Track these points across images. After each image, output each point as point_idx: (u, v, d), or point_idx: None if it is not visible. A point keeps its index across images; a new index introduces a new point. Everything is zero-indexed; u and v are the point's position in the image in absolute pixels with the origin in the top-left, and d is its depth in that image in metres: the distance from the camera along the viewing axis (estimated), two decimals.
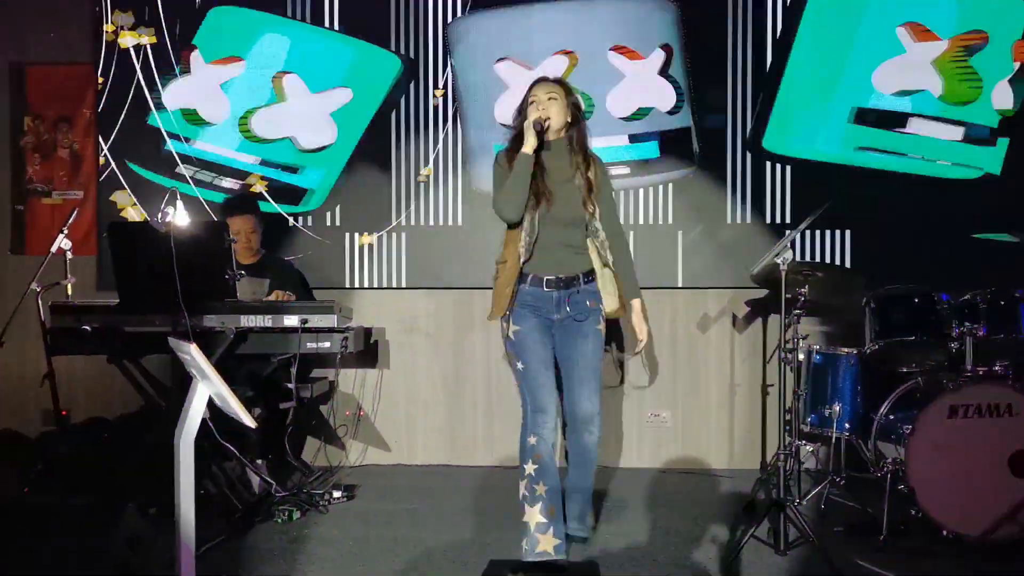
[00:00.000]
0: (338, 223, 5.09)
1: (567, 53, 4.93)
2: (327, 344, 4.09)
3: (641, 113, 4.93)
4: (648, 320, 3.58)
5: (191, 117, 5.11)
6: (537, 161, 3.30)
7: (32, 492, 4.13)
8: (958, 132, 4.81)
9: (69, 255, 4.18)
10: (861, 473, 4.15)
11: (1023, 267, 4.37)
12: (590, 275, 3.41)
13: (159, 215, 3.63)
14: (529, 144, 3.26)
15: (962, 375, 3.70)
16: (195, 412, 2.57)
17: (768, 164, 4.89)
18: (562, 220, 3.34)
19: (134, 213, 5.12)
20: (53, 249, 4.13)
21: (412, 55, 5.04)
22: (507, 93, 4.94)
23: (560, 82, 3.45)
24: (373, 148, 5.07)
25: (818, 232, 4.85)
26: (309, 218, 5.10)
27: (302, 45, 5.08)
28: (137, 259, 3.87)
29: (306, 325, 4.02)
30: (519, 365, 3.33)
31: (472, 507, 4.22)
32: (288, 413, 4.21)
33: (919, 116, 4.81)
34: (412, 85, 5.05)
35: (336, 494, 4.24)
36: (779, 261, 3.56)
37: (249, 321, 4.00)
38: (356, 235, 5.07)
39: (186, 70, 5.10)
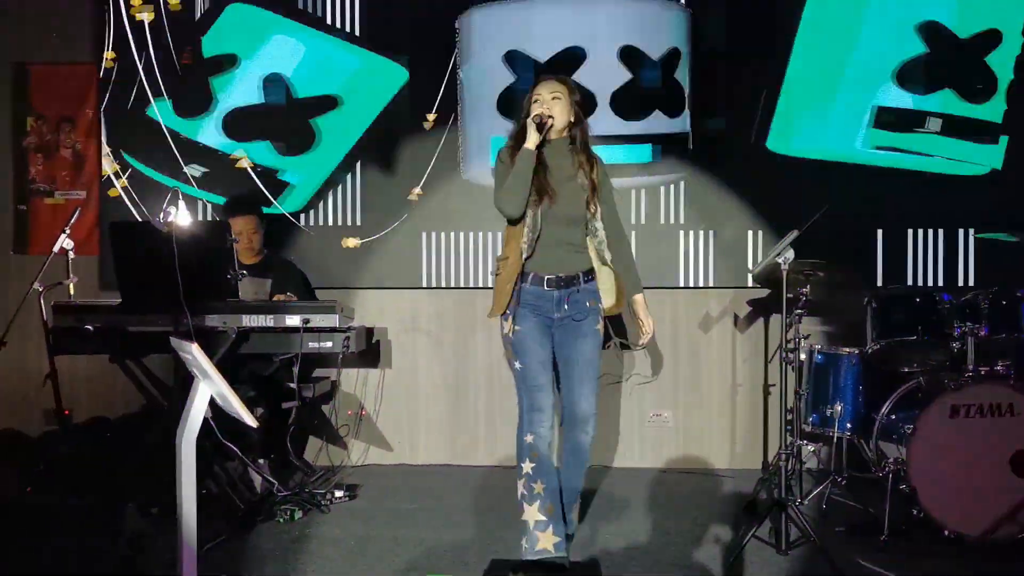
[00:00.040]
0: (332, 224, 5.09)
1: (576, 49, 4.93)
2: (329, 344, 4.09)
3: (643, 114, 4.93)
4: (652, 316, 3.58)
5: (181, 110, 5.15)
6: (539, 159, 3.30)
7: (34, 491, 4.14)
8: (968, 129, 4.80)
9: (71, 255, 4.19)
10: (862, 473, 4.14)
11: None
12: (590, 274, 3.42)
13: (161, 215, 3.64)
14: (531, 141, 3.26)
15: (963, 375, 3.70)
16: (197, 412, 2.57)
17: (772, 165, 4.88)
18: (564, 218, 3.35)
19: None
20: (55, 249, 4.14)
21: (415, 61, 5.06)
22: (512, 85, 4.94)
23: (564, 81, 3.45)
24: (371, 155, 5.07)
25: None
26: (301, 217, 5.11)
27: (307, 50, 5.08)
28: (139, 259, 3.88)
29: (308, 325, 4.03)
30: (517, 365, 3.33)
31: (474, 507, 4.23)
32: (290, 413, 4.21)
33: (937, 115, 4.80)
34: (413, 101, 5.06)
35: (338, 494, 4.24)
36: (780, 261, 3.56)
37: (251, 321, 4.00)
38: (355, 238, 5.08)
39: (187, 62, 5.11)
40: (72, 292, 4.18)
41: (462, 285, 5.02)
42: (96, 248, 5.17)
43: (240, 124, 5.11)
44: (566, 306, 3.36)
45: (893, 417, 3.86)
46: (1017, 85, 4.78)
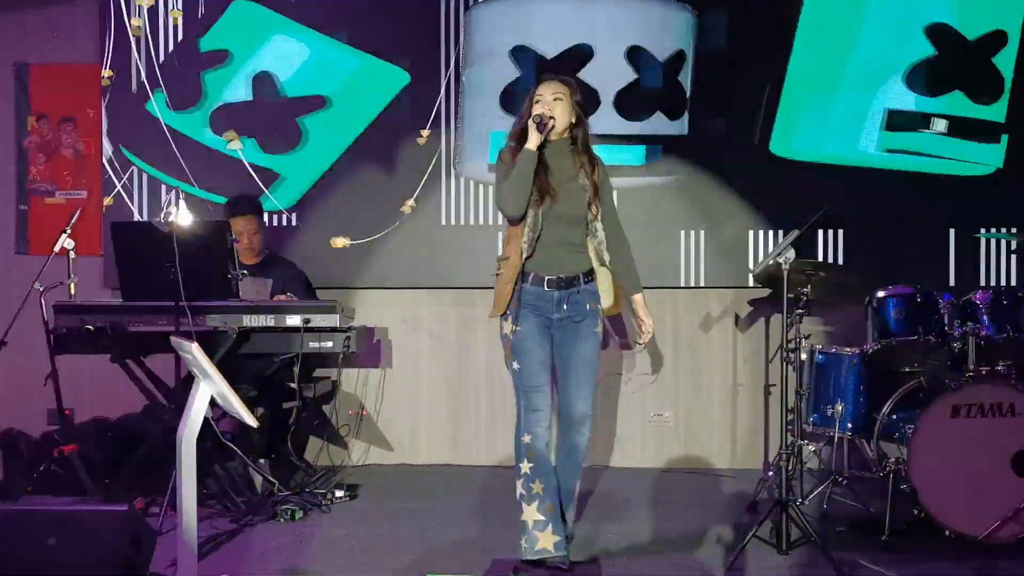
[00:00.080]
0: (331, 224, 5.08)
1: (583, 46, 4.94)
2: (330, 344, 4.10)
3: (645, 115, 4.93)
4: (651, 317, 3.58)
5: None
6: (540, 159, 3.30)
7: (36, 491, 4.14)
8: (973, 129, 4.81)
9: (72, 255, 4.19)
10: (863, 473, 4.14)
11: None
12: (590, 275, 3.41)
13: (162, 215, 3.65)
14: (532, 142, 3.26)
15: (964, 375, 3.69)
16: (198, 411, 2.58)
17: (775, 167, 4.89)
18: (565, 218, 3.35)
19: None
20: (56, 249, 4.14)
21: (418, 66, 5.06)
22: (516, 80, 4.95)
23: (566, 81, 3.44)
24: (369, 156, 5.07)
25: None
26: (293, 217, 5.11)
27: (304, 50, 5.08)
28: (140, 258, 3.88)
29: (308, 325, 4.03)
30: (515, 365, 3.33)
31: (474, 507, 4.23)
32: (291, 412, 4.22)
33: (942, 116, 4.80)
34: (414, 99, 5.06)
35: (339, 493, 4.24)
36: (781, 261, 3.56)
37: (252, 321, 4.00)
38: (344, 237, 5.08)
39: (184, 56, 5.13)
40: (73, 292, 4.18)
41: (462, 285, 5.02)
42: (98, 248, 5.17)
43: (227, 120, 5.12)
44: (565, 307, 3.36)
45: (894, 417, 3.85)
46: (1018, 84, 4.79)
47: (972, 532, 3.49)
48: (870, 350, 4.00)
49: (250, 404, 3.59)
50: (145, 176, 5.15)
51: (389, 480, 4.74)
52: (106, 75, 5.14)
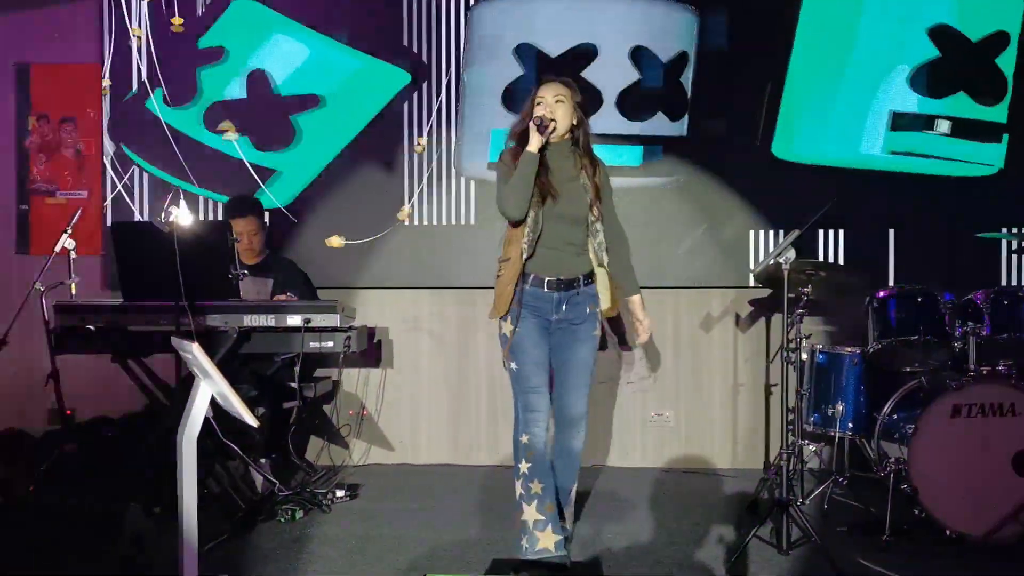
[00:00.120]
0: (331, 224, 5.08)
1: (588, 45, 4.94)
2: (330, 343, 4.09)
3: (647, 116, 4.93)
4: (648, 317, 3.59)
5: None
6: (541, 160, 3.31)
7: (37, 491, 4.14)
8: (976, 130, 4.81)
9: (73, 255, 4.19)
10: (864, 473, 4.14)
11: None
12: (590, 277, 3.42)
13: (163, 215, 3.64)
14: (534, 144, 3.26)
15: (965, 375, 3.70)
16: (198, 411, 2.57)
17: (775, 168, 4.89)
18: (566, 218, 3.35)
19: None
20: (57, 249, 4.14)
21: (418, 66, 5.06)
22: (519, 78, 4.95)
23: (568, 83, 3.44)
24: (368, 155, 5.07)
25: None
26: (293, 217, 5.11)
27: (302, 50, 5.08)
28: (141, 258, 3.88)
29: (309, 324, 4.02)
30: (513, 366, 3.34)
31: (475, 506, 4.23)
32: (291, 412, 4.22)
33: (945, 117, 4.81)
34: (414, 99, 5.07)
35: (339, 493, 4.24)
36: (781, 261, 3.56)
37: (252, 320, 4.00)
38: (339, 237, 5.08)
39: (181, 52, 5.13)
40: (74, 292, 4.18)
41: (463, 285, 5.02)
42: (99, 248, 5.17)
43: (221, 118, 5.12)
44: (565, 308, 3.37)
45: (895, 417, 3.86)
46: (1019, 84, 4.79)
47: (973, 532, 3.49)
48: (871, 350, 4.00)
49: (251, 404, 3.60)
50: (146, 175, 5.16)
51: (390, 480, 4.74)
52: (105, 84, 5.15)
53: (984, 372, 3.68)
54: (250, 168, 5.10)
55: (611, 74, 4.92)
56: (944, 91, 4.81)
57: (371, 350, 4.98)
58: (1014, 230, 4.72)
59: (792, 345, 3.94)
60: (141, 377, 4.23)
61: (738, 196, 4.92)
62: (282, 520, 3.90)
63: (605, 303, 3.45)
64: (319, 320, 4.04)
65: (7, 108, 5.29)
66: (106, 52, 5.16)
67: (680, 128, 4.95)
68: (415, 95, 5.06)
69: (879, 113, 4.85)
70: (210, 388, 2.58)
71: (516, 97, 4.89)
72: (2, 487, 4.12)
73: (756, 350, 4.94)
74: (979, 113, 4.81)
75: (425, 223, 5.07)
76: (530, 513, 3.25)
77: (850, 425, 4.06)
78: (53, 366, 4.10)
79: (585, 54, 4.92)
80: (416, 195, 5.06)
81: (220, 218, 5.06)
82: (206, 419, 2.60)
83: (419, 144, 5.04)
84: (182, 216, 3.68)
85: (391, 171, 5.08)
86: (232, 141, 5.10)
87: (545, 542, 3.22)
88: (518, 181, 3.26)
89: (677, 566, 3.39)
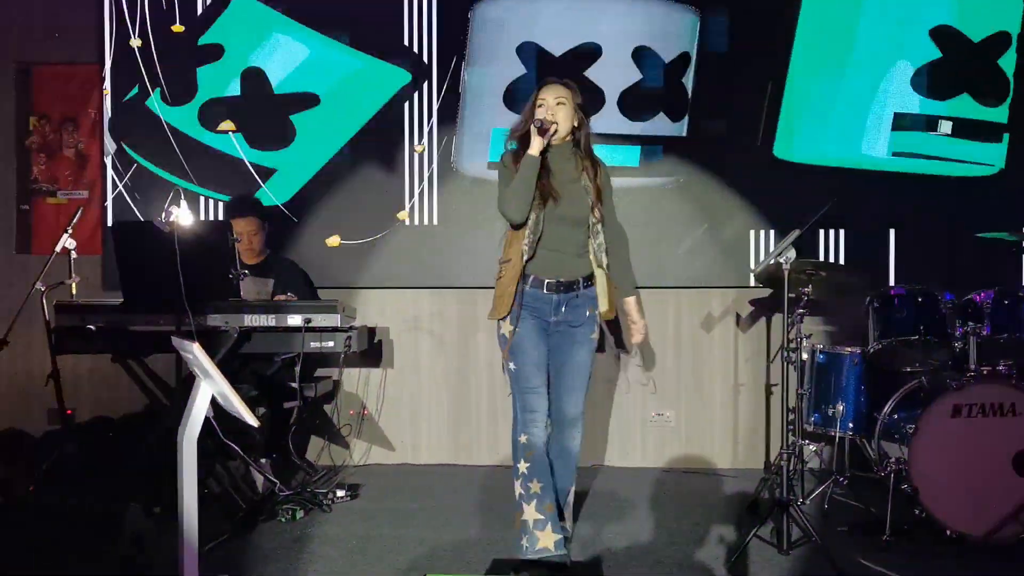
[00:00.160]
0: (331, 224, 5.09)
1: (591, 45, 4.94)
2: (331, 343, 4.10)
3: (648, 116, 4.93)
4: (645, 317, 3.59)
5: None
6: (543, 163, 3.31)
7: (37, 491, 4.14)
8: (978, 130, 4.81)
9: (73, 255, 4.19)
10: (865, 472, 4.14)
11: None
12: (589, 279, 3.42)
13: (163, 214, 3.64)
14: (535, 147, 3.26)
15: (965, 375, 3.70)
16: (198, 411, 2.57)
17: (776, 169, 4.89)
18: (567, 220, 3.35)
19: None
20: (57, 248, 4.14)
21: (419, 66, 5.06)
22: (522, 77, 4.96)
23: (569, 85, 3.44)
24: (368, 155, 5.08)
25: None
26: (294, 217, 5.11)
27: (302, 49, 5.08)
28: (141, 258, 3.88)
29: (310, 324, 4.03)
30: (511, 366, 3.35)
31: (476, 506, 4.23)
32: (292, 412, 4.22)
33: (947, 118, 4.81)
34: (415, 99, 5.07)
35: (340, 493, 4.24)
36: (782, 260, 3.56)
37: (253, 320, 4.00)
38: (337, 236, 5.08)
39: (181, 51, 5.14)
40: (74, 292, 4.18)
41: (463, 284, 5.02)
42: (99, 248, 5.18)
43: (216, 115, 5.13)
44: (564, 310, 3.37)
45: (895, 417, 3.86)
46: (1020, 83, 4.79)
47: (973, 532, 3.49)
48: (871, 350, 4.00)
49: (251, 404, 3.60)
50: (146, 175, 5.16)
51: (390, 480, 4.74)
52: (106, 86, 5.15)
53: (984, 372, 3.68)
54: (249, 167, 5.10)
55: (613, 74, 4.93)
56: (946, 92, 4.82)
57: (371, 350, 4.98)
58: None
59: (792, 345, 3.94)
60: (141, 377, 4.23)
61: (739, 196, 4.92)
62: (283, 520, 3.90)
63: (603, 306, 3.45)
64: (320, 320, 4.04)
65: (8, 108, 5.29)
66: (107, 52, 5.16)
67: (680, 128, 4.95)
68: (415, 95, 5.06)
69: (880, 114, 4.85)
70: (210, 388, 2.58)
71: (518, 97, 4.90)
72: (2, 487, 4.13)
73: (756, 350, 4.94)
74: (980, 113, 4.81)
75: (425, 223, 5.07)
76: (530, 513, 3.26)
77: (850, 425, 4.06)
78: (53, 366, 4.10)
79: (588, 54, 4.93)
80: (416, 195, 5.06)
81: (220, 218, 5.06)
82: (207, 419, 2.60)
83: (419, 145, 5.05)
84: (182, 216, 3.68)
85: (391, 171, 5.08)
86: (228, 132, 5.09)
87: (545, 541, 3.23)
88: (519, 184, 3.26)
89: (677, 566, 3.39)
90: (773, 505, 3.55)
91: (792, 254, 3.56)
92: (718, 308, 5.00)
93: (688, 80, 4.93)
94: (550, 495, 3.28)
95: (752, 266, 4.85)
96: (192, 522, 2.56)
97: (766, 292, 4.75)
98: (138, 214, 5.13)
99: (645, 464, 5.00)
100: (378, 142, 5.08)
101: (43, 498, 3.99)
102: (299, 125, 5.10)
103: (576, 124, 3.41)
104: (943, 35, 4.80)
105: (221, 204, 5.11)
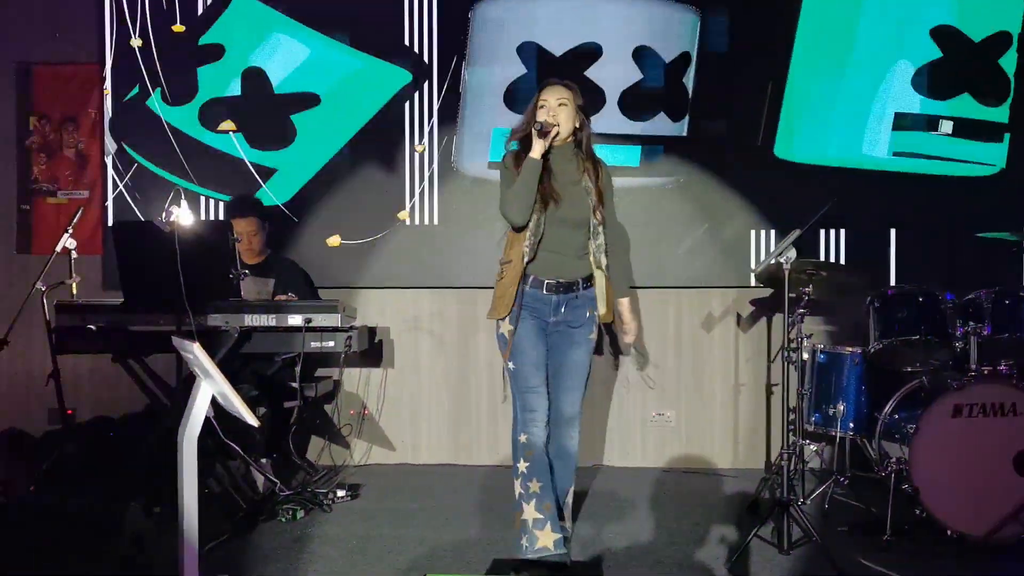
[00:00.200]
0: (331, 224, 5.08)
1: (591, 44, 4.94)
2: (331, 343, 4.10)
3: (648, 116, 4.93)
4: (639, 319, 3.64)
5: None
6: (544, 165, 3.31)
7: (37, 491, 4.14)
8: (979, 130, 4.80)
9: (74, 254, 4.19)
10: (865, 472, 4.14)
11: None
12: (589, 280, 3.42)
13: (163, 214, 3.64)
14: (537, 150, 3.26)
15: (966, 374, 3.69)
16: (199, 411, 2.57)
17: (777, 168, 4.89)
18: (568, 221, 3.36)
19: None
20: (58, 248, 4.14)
21: (419, 66, 5.06)
22: (523, 77, 4.95)
23: (570, 86, 3.44)
24: (368, 155, 5.07)
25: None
26: (294, 217, 5.10)
27: (302, 49, 5.08)
28: (142, 258, 3.88)
29: (310, 324, 4.03)
30: (511, 365, 3.36)
31: (476, 506, 4.23)
32: (292, 412, 4.22)
33: (948, 118, 4.80)
34: (414, 99, 5.06)
35: (340, 493, 4.24)
36: (782, 260, 3.55)
37: (253, 320, 4.00)
38: (337, 236, 5.08)
39: (182, 50, 5.15)
40: (75, 292, 4.18)
41: (464, 284, 5.02)
42: (100, 248, 5.18)
43: (216, 115, 5.13)
44: (563, 311, 3.37)
45: (896, 416, 3.85)
46: (1021, 83, 4.79)
47: (974, 532, 3.49)
48: (872, 350, 4.00)
49: (251, 404, 3.60)
50: (147, 175, 5.16)
51: (390, 480, 4.74)
52: (106, 86, 5.16)
53: (985, 372, 3.68)
54: (249, 167, 5.10)
55: (613, 73, 4.93)
56: (947, 92, 4.82)
57: (372, 350, 4.98)
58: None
59: (793, 345, 3.94)
60: (142, 377, 4.23)
61: (739, 196, 4.91)
62: (283, 520, 3.90)
63: (601, 309, 3.46)
64: (320, 320, 4.04)
65: (8, 108, 5.30)
66: (107, 52, 5.16)
67: (681, 128, 4.95)
68: (416, 95, 5.06)
69: (880, 114, 4.85)
70: (211, 388, 2.57)
71: (518, 97, 4.90)
72: (2, 487, 4.13)
73: (757, 350, 4.94)
74: (981, 113, 4.81)
75: (426, 223, 5.06)
76: (529, 512, 3.26)
77: (851, 425, 4.06)
78: (54, 366, 4.10)
79: (589, 53, 4.93)
80: (416, 195, 5.06)
81: (221, 218, 5.06)
82: (207, 419, 2.60)
83: (420, 144, 5.05)
84: (183, 216, 3.68)
85: (391, 171, 5.07)
86: (228, 132, 5.09)
87: (544, 540, 3.23)
88: (521, 188, 3.26)
89: (678, 566, 3.39)
90: (773, 505, 3.55)
91: (792, 254, 3.56)
92: (719, 308, 5.00)
93: (689, 80, 4.93)
94: (549, 495, 3.29)
95: (752, 266, 4.85)
96: (192, 522, 2.56)
97: (767, 292, 4.75)
98: (138, 214, 5.13)
99: (645, 464, 5.00)
100: (378, 142, 5.07)
101: (43, 498, 3.99)
102: (300, 125, 5.10)
103: (578, 125, 3.41)
104: (944, 35, 4.80)
105: (222, 204, 5.11)
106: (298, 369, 4.05)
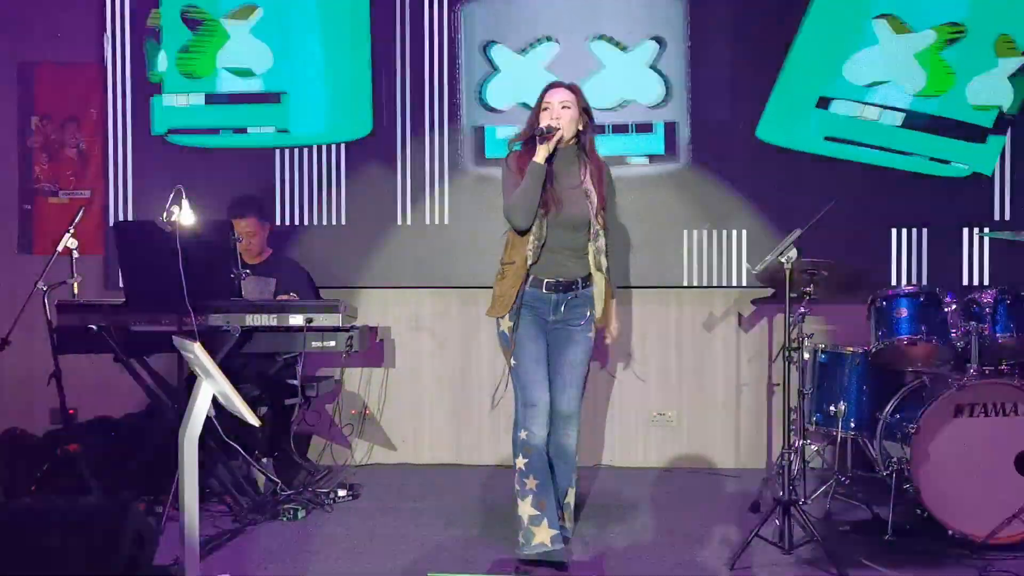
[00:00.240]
0: (343, 222, 5.09)
1: (549, 39, 4.93)
2: (332, 343, 4.10)
3: (621, 106, 4.92)
4: (618, 321, 3.71)
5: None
6: (547, 168, 3.32)
7: (39, 491, 4.14)
8: (937, 126, 4.77)
9: (75, 254, 4.18)
10: (867, 472, 4.14)
11: None
12: (588, 280, 3.43)
13: (164, 214, 3.64)
14: (541, 155, 3.28)
15: (968, 374, 3.69)
16: (200, 411, 2.58)
17: (764, 157, 4.85)
18: (569, 223, 3.38)
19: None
20: (59, 248, 4.14)
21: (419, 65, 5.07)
22: (497, 77, 4.97)
23: (574, 88, 3.46)
24: (369, 155, 5.08)
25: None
26: (315, 219, 5.10)
27: (303, 49, 5.09)
28: (143, 258, 3.88)
29: (311, 324, 4.03)
30: (512, 362, 3.37)
31: (477, 506, 4.23)
32: (293, 412, 4.22)
33: (890, 108, 4.78)
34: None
35: (341, 493, 4.25)
36: (783, 260, 3.55)
37: (254, 320, 4.00)
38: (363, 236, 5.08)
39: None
40: (76, 291, 4.18)
41: (465, 284, 5.01)
42: (101, 248, 5.18)
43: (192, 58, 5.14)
44: (563, 310, 3.39)
45: (897, 416, 3.85)
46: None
47: (975, 532, 3.48)
48: (873, 349, 3.99)
49: (253, 403, 3.60)
50: (147, 174, 5.16)
51: (392, 479, 4.74)
52: (108, 85, 5.17)
53: (987, 372, 3.67)
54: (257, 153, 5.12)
55: (575, 64, 4.85)
56: (882, 80, 4.77)
57: (373, 350, 4.98)
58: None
59: (794, 344, 3.93)
60: (143, 377, 4.23)
61: (739, 194, 4.89)
62: (284, 519, 3.91)
63: (597, 311, 3.47)
64: (321, 320, 4.04)
65: (10, 108, 5.30)
66: (108, 51, 5.16)
67: (657, 115, 4.90)
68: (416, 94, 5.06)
69: (882, 113, 4.82)
70: (212, 388, 2.58)
71: (495, 91, 4.93)
72: (2, 487, 4.13)
73: (758, 349, 4.94)
74: (982, 113, 4.79)
75: (427, 222, 5.06)
76: (525, 508, 3.27)
77: (852, 425, 4.05)
78: (55, 366, 4.10)
79: (549, 48, 4.91)
80: (419, 194, 5.05)
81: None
82: (208, 418, 2.61)
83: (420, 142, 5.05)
84: (184, 216, 3.68)
85: (392, 170, 5.07)
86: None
87: (541, 536, 3.23)
88: (525, 193, 3.28)
89: (679, 565, 3.39)
90: (775, 505, 3.55)
91: (793, 253, 3.55)
92: (720, 308, 4.99)
93: (669, 67, 4.89)
94: (547, 492, 3.29)
95: (754, 265, 4.84)
96: (192, 522, 2.57)
97: (768, 291, 4.74)
98: (139, 214, 5.12)
99: (647, 464, 5.00)
100: (379, 141, 5.07)
101: (43, 498, 3.99)
102: (298, 122, 5.10)
103: (581, 127, 3.41)
104: (891, 22, 4.77)
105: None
106: (299, 369, 4.06)
